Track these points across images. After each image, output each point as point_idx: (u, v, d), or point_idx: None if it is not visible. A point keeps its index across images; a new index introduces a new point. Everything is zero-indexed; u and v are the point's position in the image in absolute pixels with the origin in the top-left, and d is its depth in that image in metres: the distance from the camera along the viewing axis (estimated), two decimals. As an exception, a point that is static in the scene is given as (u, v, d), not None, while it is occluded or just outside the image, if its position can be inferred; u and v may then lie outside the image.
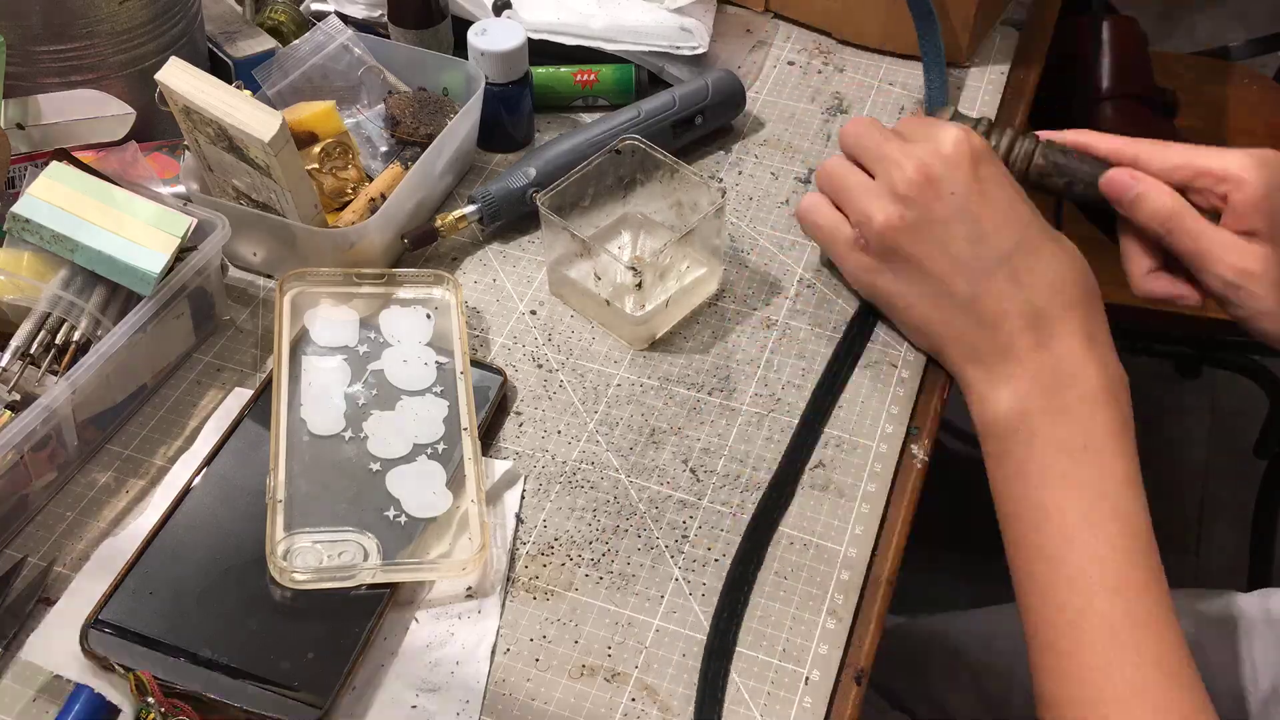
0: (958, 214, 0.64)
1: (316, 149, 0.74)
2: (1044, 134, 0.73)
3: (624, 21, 0.86)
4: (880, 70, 0.91)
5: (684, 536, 0.63)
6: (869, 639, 0.59)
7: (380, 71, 0.80)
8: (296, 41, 0.80)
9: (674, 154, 0.80)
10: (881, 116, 0.87)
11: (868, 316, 0.73)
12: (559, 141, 0.78)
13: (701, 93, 0.82)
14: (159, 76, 0.67)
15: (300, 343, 0.67)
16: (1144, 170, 0.69)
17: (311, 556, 0.57)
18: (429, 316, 0.69)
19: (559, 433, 0.67)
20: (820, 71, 0.91)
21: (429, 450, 0.63)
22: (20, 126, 0.74)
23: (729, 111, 0.84)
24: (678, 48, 0.86)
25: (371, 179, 0.76)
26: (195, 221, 0.66)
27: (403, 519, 0.60)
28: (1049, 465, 0.60)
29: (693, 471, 0.65)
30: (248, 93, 0.68)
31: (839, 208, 0.70)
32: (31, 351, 0.62)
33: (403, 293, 0.70)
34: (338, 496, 0.60)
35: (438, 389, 0.66)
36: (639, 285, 0.68)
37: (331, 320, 0.68)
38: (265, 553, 0.57)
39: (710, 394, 0.69)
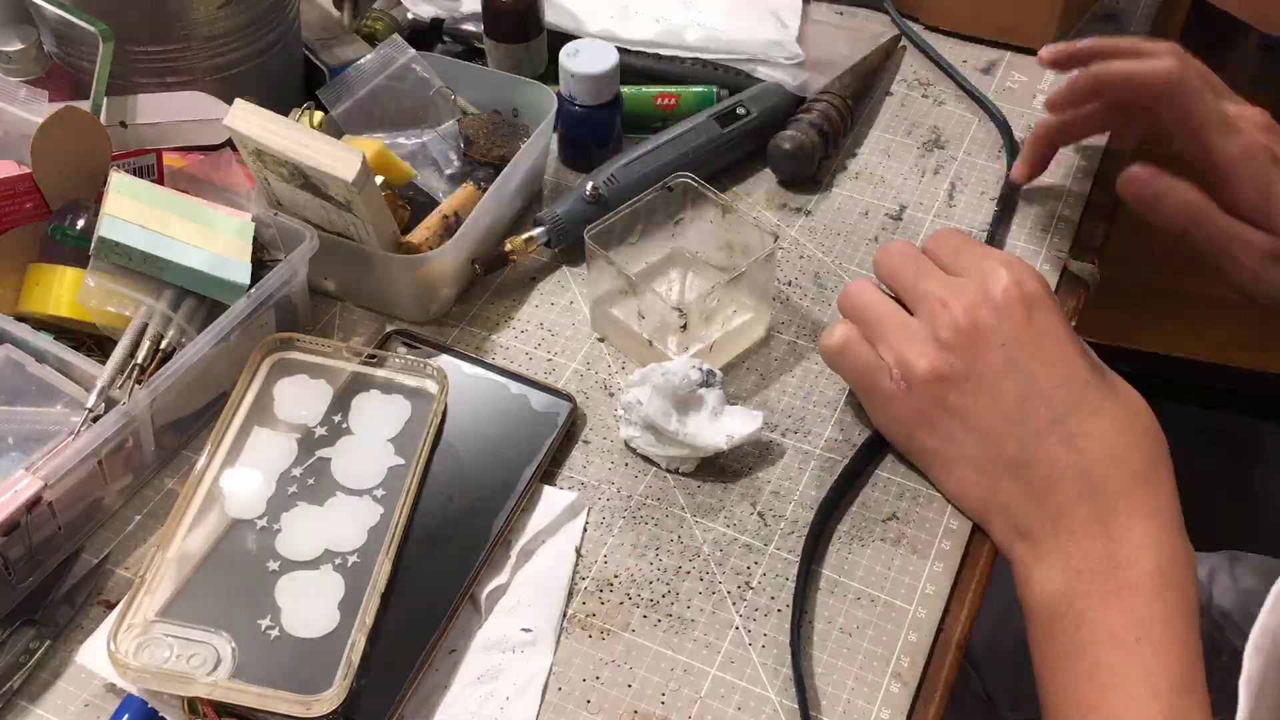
0: (1008, 367, 0.59)
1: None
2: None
3: (719, 35, 0.85)
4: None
5: (747, 584, 0.61)
6: (934, 707, 0.56)
7: (450, 92, 0.79)
8: (361, 61, 0.80)
9: (735, 159, 0.82)
10: (980, 154, 0.84)
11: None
12: (617, 157, 0.78)
13: (740, 86, 0.84)
14: (227, 122, 0.65)
15: (261, 410, 0.64)
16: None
17: (160, 651, 0.53)
18: (410, 409, 0.65)
19: (626, 465, 0.66)
20: (919, 104, 0.89)
21: (338, 559, 0.58)
22: (123, 125, 0.74)
23: (776, 100, 0.83)
24: (773, 58, 0.85)
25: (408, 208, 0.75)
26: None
27: (275, 633, 0.55)
28: (1097, 658, 0.54)
29: (760, 515, 0.63)
30: (320, 115, 0.67)
31: (871, 344, 0.63)
32: (139, 362, 0.62)
33: (390, 376, 0.66)
34: (219, 591, 0.56)
35: (379, 493, 0.61)
36: (684, 327, 0.66)
37: (300, 394, 0.65)
38: (111, 630, 0.53)
39: (784, 435, 0.67)
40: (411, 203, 0.75)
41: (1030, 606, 0.57)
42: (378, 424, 0.64)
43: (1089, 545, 0.56)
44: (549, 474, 0.65)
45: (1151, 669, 0.53)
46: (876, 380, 0.63)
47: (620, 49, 0.81)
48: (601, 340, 0.72)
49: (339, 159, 0.64)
